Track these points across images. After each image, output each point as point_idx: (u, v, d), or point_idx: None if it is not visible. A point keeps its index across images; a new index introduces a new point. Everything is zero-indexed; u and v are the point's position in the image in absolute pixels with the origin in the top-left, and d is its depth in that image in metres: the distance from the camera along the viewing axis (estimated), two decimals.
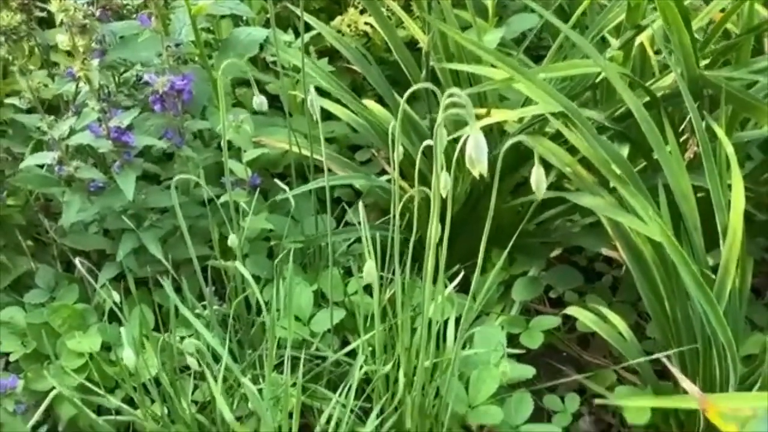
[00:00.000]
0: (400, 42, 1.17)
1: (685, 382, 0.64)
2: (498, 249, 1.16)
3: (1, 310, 1.09)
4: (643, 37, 1.01)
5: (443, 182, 0.69)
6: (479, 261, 0.78)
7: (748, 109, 0.95)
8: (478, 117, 0.98)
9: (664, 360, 0.75)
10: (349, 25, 1.27)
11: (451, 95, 0.59)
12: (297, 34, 1.35)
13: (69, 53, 1.11)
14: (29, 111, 1.07)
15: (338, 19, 1.35)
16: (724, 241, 0.83)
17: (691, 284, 0.77)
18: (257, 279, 1.08)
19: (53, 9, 0.84)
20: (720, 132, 0.85)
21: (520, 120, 1.07)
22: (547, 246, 1.25)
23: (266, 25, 1.36)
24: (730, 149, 0.84)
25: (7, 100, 1.02)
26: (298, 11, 1.26)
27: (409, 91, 0.68)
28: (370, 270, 0.73)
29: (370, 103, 1.25)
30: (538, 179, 0.64)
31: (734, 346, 0.80)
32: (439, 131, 0.61)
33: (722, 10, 1.04)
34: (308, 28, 1.30)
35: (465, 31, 1.17)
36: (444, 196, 0.71)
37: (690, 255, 0.82)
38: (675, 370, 0.67)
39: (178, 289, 0.98)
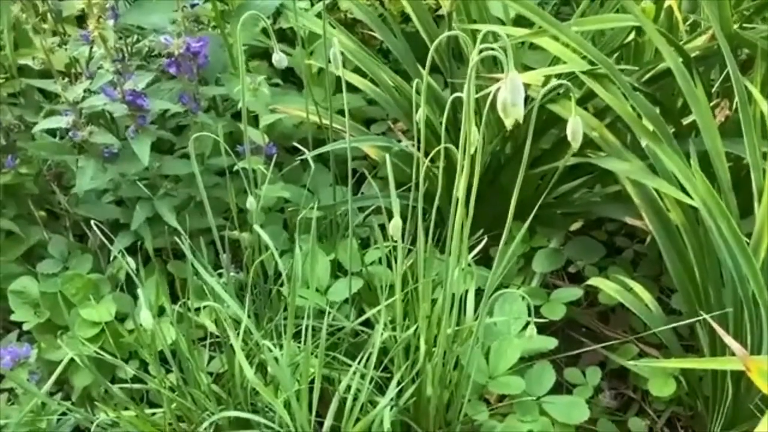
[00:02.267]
0: (421, 4, 1.14)
1: (727, 338, 0.62)
2: (518, 221, 1.14)
3: (14, 279, 1.08)
4: (671, 0, 0.98)
5: (473, 136, 0.67)
6: (505, 230, 0.76)
7: None
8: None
9: (709, 319, 0.72)
10: None
11: (485, 37, 0.57)
12: (312, 3, 1.33)
13: (81, 19, 1.09)
14: (42, 75, 1.06)
15: None
16: (759, 204, 0.80)
17: (729, 240, 0.75)
18: None
19: None
20: (755, 91, 0.83)
21: (544, 86, 1.04)
22: (567, 217, 1.22)
23: None
24: (764, 107, 0.81)
25: (20, 61, 1.00)
26: None
27: (437, 41, 0.66)
28: (395, 226, 0.70)
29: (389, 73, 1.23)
30: (575, 129, 0.62)
31: None
32: (471, 75, 0.59)
33: None
34: None
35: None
36: (472, 151, 0.69)
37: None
38: (718, 329, 0.65)
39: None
